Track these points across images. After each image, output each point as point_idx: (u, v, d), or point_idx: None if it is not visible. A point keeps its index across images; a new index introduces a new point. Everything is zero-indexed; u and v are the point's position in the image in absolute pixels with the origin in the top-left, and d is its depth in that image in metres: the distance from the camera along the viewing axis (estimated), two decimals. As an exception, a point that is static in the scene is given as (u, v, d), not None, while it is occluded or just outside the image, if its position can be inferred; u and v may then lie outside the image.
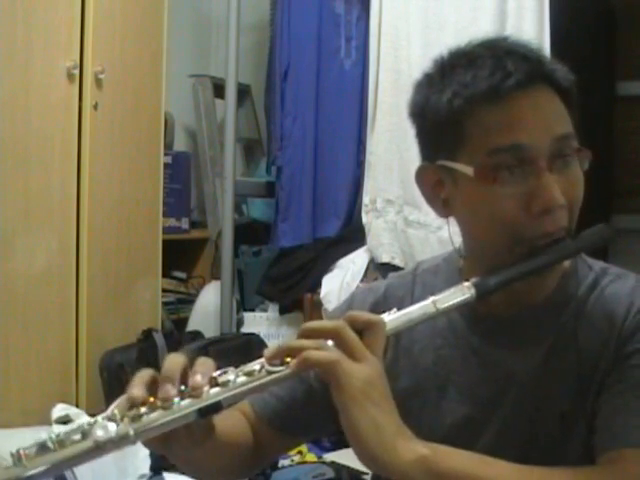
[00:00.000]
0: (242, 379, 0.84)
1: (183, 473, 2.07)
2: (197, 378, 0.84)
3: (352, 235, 3.09)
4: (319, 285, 3.02)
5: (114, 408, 0.83)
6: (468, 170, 0.95)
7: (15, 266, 2.42)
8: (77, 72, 2.56)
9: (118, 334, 2.81)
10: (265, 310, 3.29)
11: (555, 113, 0.96)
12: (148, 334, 2.86)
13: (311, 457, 2.51)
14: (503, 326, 1.03)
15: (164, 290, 3.24)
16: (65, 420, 2.31)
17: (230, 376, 0.83)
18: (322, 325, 0.87)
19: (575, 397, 0.98)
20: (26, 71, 2.42)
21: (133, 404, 0.82)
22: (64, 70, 2.53)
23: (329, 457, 2.50)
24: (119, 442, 0.81)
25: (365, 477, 2.26)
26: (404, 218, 2.90)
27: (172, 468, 2.11)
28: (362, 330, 0.86)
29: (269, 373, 0.84)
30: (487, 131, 0.94)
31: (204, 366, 0.86)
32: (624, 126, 3.30)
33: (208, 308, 3.27)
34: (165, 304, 3.28)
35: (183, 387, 0.84)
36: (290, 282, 3.15)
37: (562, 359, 0.99)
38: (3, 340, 2.39)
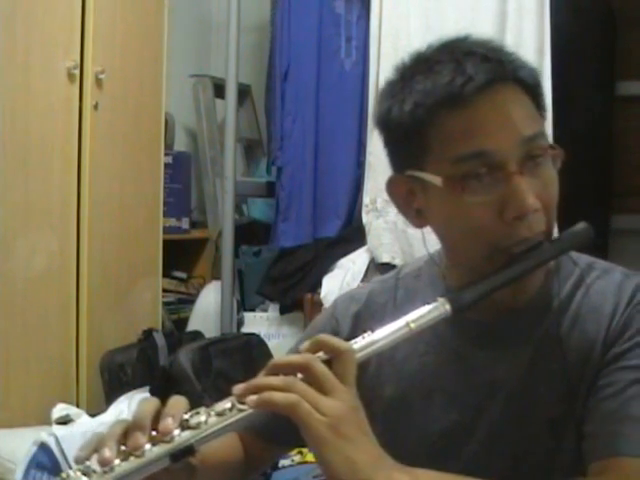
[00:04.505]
0: (213, 419, 0.82)
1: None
2: (167, 422, 0.81)
3: (352, 235, 3.08)
4: (319, 285, 3.02)
5: (85, 457, 0.81)
6: (436, 180, 0.92)
7: (15, 266, 2.42)
8: (77, 72, 2.56)
9: (118, 334, 2.81)
10: (265, 310, 3.28)
11: (521, 113, 0.92)
12: (148, 334, 2.85)
13: (311, 457, 2.51)
14: (487, 330, 1.00)
15: (164, 290, 3.24)
16: (65, 420, 2.30)
17: (202, 417, 0.82)
18: (290, 360, 0.84)
19: (564, 402, 0.95)
20: (26, 71, 2.42)
21: (105, 465, 0.80)
22: (64, 70, 2.53)
23: (329, 457, 2.50)
24: None
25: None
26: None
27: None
28: (331, 359, 0.83)
29: (240, 411, 0.82)
30: (450, 139, 0.91)
31: (175, 408, 0.83)
32: (624, 126, 3.30)
33: (208, 308, 3.27)
34: (165, 304, 3.28)
35: (155, 432, 0.82)
36: (290, 282, 3.14)
37: (548, 363, 0.96)
38: (3, 340, 2.39)
